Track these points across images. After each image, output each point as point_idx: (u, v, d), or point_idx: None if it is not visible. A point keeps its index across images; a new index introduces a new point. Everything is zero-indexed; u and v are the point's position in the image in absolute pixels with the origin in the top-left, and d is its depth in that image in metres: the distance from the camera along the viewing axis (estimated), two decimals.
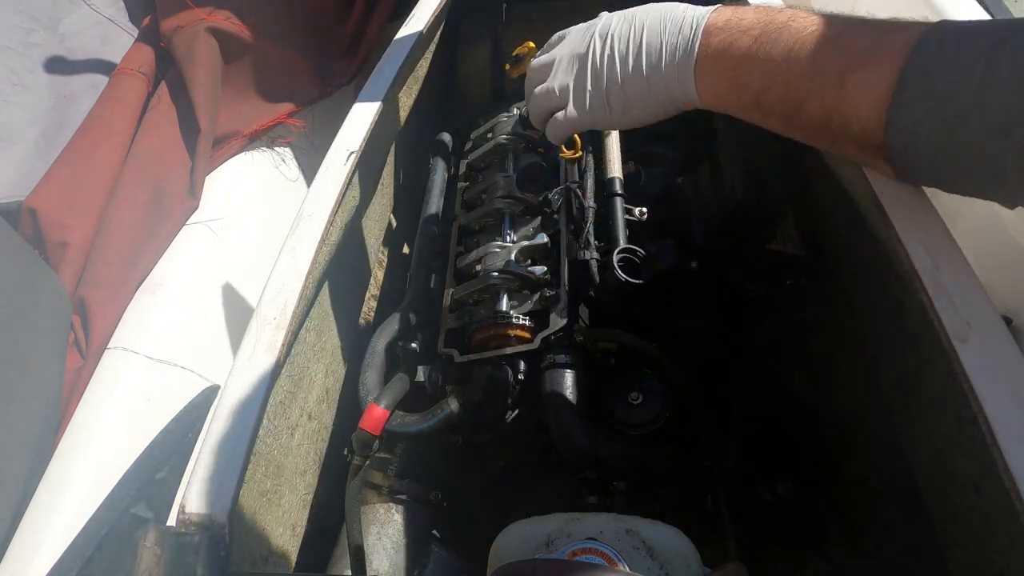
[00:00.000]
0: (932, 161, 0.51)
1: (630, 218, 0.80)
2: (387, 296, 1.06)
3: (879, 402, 0.64)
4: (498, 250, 0.83)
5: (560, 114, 0.68)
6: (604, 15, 0.67)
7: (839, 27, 0.53)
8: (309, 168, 1.48)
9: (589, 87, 0.65)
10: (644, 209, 0.81)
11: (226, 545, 0.49)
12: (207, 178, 1.31)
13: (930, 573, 0.58)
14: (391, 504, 0.75)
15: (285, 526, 0.67)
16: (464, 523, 0.79)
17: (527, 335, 0.75)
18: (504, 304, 0.78)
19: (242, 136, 1.38)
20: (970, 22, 0.50)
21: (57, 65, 1.38)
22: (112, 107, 1.33)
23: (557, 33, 0.72)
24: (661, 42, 0.61)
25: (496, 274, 0.78)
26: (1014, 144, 0.45)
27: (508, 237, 0.85)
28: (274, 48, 1.44)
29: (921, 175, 0.56)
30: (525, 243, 0.83)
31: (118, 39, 1.50)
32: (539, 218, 0.85)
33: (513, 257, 0.82)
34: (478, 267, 0.84)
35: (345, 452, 0.74)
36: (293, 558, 0.69)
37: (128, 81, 1.38)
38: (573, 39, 0.68)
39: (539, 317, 0.76)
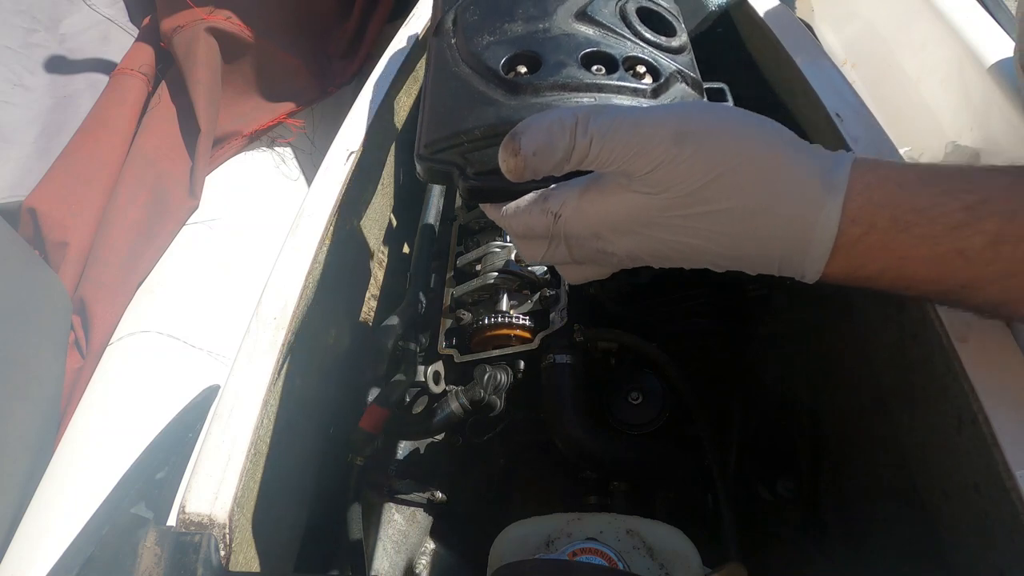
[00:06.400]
0: None
1: None
2: (387, 296, 1.05)
3: (879, 402, 0.64)
4: (498, 250, 0.83)
5: None
6: None
7: None
8: (309, 168, 1.48)
9: None
10: None
11: (226, 545, 0.49)
12: (207, 178, 1.31)
13: (930, 573, 0.58)
14: (391, 504, 0.75)
15: (285, 526, 0.67)
16: (464, 523, 0.79)
17: (527, 335, 0.75)
18: (504, 304, 0.78)
19: (242, 136, 1.38)
20: None
21: (57, 65, 1.38)
22: (112, 107, 1.34)
23: None
24: None
25: (496, 274, 0.78)
26: None
27: (508, 237, 0.85)
28: (274, 48, 1.44)
29: None
30: None
31: (118, 39, 1.50)
32: None
33: (513, 257, 0.82)
34: (478, 267, 0.84)
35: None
36: (293, 558, 0.69)
37: (128, 81, 1.38)
38: None
39: (539, 317, 0.76)
